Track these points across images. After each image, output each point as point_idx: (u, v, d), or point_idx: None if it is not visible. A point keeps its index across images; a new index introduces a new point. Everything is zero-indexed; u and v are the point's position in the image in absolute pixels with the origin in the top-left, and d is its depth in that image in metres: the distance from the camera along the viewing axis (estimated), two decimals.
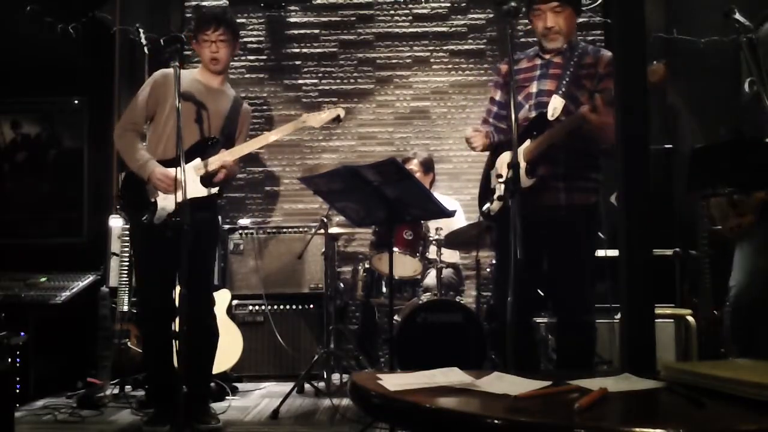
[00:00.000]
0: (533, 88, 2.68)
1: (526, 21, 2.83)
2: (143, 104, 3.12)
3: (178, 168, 2.66)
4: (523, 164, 2.55)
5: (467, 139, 2.79)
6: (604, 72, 2.61)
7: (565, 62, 2.66)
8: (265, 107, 5.01)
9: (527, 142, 2.59)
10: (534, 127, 2.60)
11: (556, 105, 2.57)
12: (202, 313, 3.08)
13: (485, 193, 2.79)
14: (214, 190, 3.07)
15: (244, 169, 4.92)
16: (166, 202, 2.98)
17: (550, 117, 2.57)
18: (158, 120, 3.12)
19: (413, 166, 4.24)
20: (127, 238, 3.73)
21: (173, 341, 2.67)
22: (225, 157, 3.04)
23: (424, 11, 4.99)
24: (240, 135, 3.23)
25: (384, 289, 3.96)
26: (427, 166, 4.33)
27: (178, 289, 2.97)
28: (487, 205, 2.72)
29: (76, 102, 4.65)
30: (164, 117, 3.09)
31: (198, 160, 3.02)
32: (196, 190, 2.99)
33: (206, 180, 3.03)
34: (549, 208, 2.59)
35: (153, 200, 3.02)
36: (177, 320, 2.68)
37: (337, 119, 3.19)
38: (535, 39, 2.83)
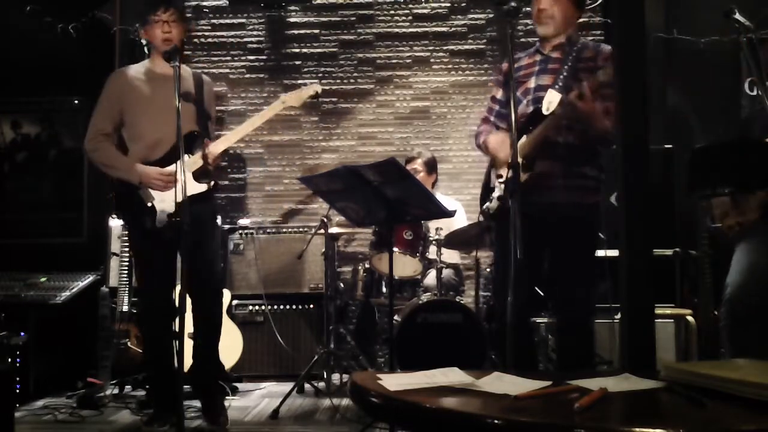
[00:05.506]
0: (531, 83, 2.68)
1: (527, 21, 2.83)
2: (107, 111, 3.12)
3: (177, 165, 2.65)
4: (519, 160, 2.54)
5: (494, 153, 2.72)
6: (603, 65, 2.60)
7: (563, 57, 2.66)
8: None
9: (523, 138, 2.58)
10: (530, 122, 2.60)
11: (551, 99, 2.56)
12: (210, 308, 3.12)
13: (486, 192, 2.78)
14: (212, 182, 3.09)
15: (244, 169, 4.92)
16: (164, 204, 2.98)
17: (545, 111, 2.56)
18: (130, 123, 3.12)
19: (417, 165, 4.24)
20: (127, 238, 3.74)
21: (174, 341, 2.68)
22: (214, 149, 3.06)
23: (424, 11, 4.98)
24: (211, 112, 3.25)
25: (384, 289, 3.95)
26: (431, 166, 4.32)
27: (178, 288, 2.97)
28: (487, 204, 2.72)
29: (76, 102, 4.65)
30: (135, 118, 3.09)
31: (187, 157, 2.99)
32: (194, 187, 2.99)
33: (199, 174, 3.03)
34: (547, 206, 2.58)
35: (150, 204, 3.00)
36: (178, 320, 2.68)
37: (315, 96, 3.30)
38: (535, 39, 2.83)
